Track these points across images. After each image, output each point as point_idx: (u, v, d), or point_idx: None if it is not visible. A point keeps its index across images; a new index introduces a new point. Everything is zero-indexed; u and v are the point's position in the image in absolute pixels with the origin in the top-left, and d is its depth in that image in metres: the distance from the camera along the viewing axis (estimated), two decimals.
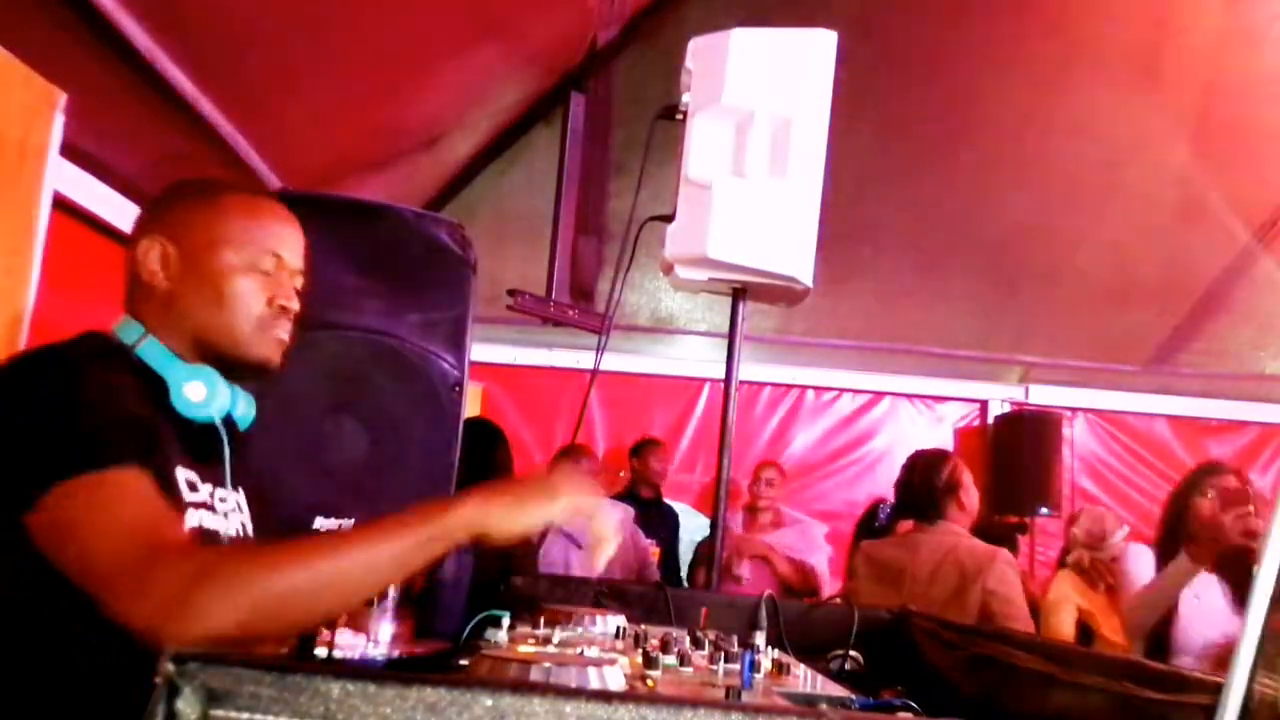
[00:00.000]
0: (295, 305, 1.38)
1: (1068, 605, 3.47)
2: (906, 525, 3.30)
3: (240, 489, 1.40)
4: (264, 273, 1.36)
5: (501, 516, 1.15)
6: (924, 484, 3.08)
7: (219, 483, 1.34)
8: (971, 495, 3.07)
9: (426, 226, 1.81)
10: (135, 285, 1.36)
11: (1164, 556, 2.96)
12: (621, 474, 5.13)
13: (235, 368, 1.36)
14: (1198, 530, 2.83)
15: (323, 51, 2.98)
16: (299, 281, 1.41)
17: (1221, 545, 2.72)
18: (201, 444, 1.32)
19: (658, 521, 4.78)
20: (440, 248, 1.76)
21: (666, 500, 5.19)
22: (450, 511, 1.14)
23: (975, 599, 2.77)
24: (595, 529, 1.23)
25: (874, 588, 2.99)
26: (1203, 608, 2.80)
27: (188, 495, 1.25)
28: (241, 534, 1.37)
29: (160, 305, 1.34)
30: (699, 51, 2.18)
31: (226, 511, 1.34)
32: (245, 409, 1.40)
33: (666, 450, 5.20)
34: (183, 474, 1.26)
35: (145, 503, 1.10)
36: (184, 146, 2.87)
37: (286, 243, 1.39)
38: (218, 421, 1.33)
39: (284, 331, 1.38)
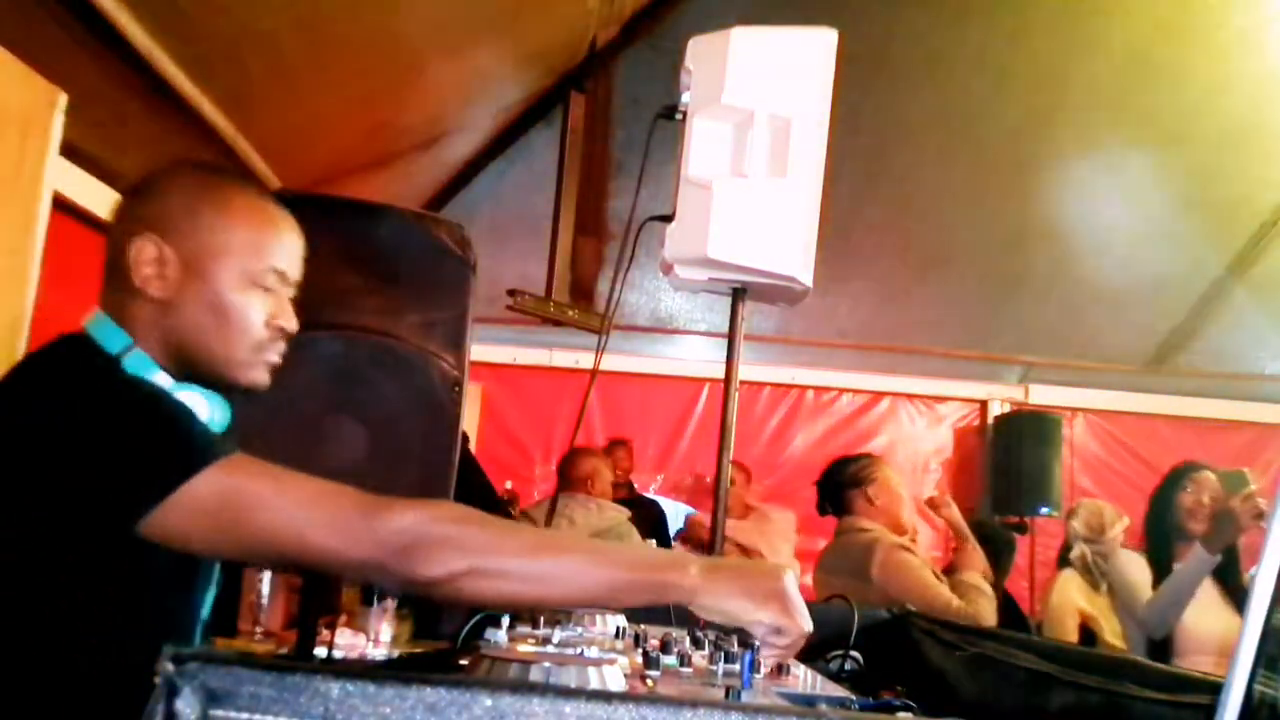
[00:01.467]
0: (294, 326, 1.31)
1: (1070, 612, 3.45)
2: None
3: None
4: (266, 289, 1.28)
5: (723, 602, 1.15)
6: (832, 479, 3.12)
7: None
8: (886, 494, 3.05)
9: (426, 226, 1.80)
10: (119, 284, 1.25)
11: (1156, 558, 2.99)
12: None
13: (220, 388, 1.29)
14: (1212, 519, 2.84)
15: (323, 51, 2.98)
16: (294, 294, 1.33)
17: (1237, 531, 2.73)
18: None
19: (641, 518, 4.79)
20: (440, 248, 1.76)
21: (657, 499, 5.23)
22: (677, 576, 1.15)
23: (866, 590, 2.74)
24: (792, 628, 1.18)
25: (820, 582, 3.05)
26: (1198, 605, 2.81)
27: None
28: None
29: (149, 312, 1.24)
30: (698, 51, 2.17)
31: None
32: (223, 418, 1.32)
33: (630, 449, 5.24)
34: None
35: (298, 471, 1.14)
36: (184, 146, 2.88)
37: (291, 256, 1.31)
38: None
39: (278, 354, 1.31)
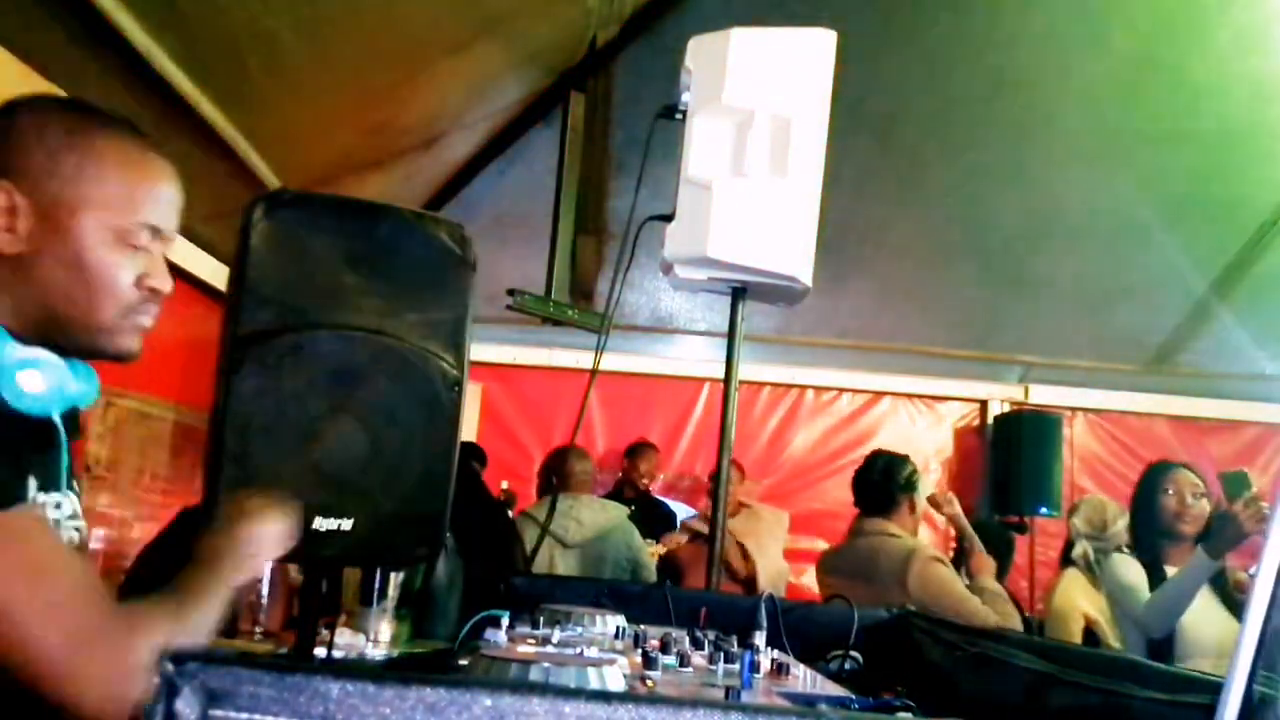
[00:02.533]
0: (168, 287, 1.18)
1: (1075, 615, 3.43)
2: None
3: (75, 488, 1.20)
4: (137, 247, 1.14)
5: (257, 547, 1.21)
6: (889, 478, 3.08)
7: (53, 485, 1.13)
8: (920, 502, 3.07)
9: (426, 226, 1.80)
10: None
11: (1146, 561, 2.98)
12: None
13: (86, 355, 1.16)
14: (1214, 523, 2.83)
15: (322, 51, 2.98)
16: (170, 251, 1.19)
17: (1240, 536, 2.71)
18: (36, 437, 1.10)
19: (653, 521, 4.80)
20: (440, 248, 1.76)
21: (665, 500, 5.22)
22: (234, 553, 1.18)
23: (898, 599, 2.72)
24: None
25: (828, 584, 3.02)
26: (1196, 608, 2.80)
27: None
28: (77, 543, 1.19)
29: (3, 267, 1.10)
30: (699, 51, 2.18)
31: (59, 519, 1.14)
32: (85, 388, 1.16)
33: (657, 454, 5.22)
34: (32, 483, 1.09)
35: (63, 567, 1.05)
36: (184, 146, 2.88)
37: (166, 211, 1.18)
38: (57, 419, 1.10)
39: (150, 318, 1.18)
